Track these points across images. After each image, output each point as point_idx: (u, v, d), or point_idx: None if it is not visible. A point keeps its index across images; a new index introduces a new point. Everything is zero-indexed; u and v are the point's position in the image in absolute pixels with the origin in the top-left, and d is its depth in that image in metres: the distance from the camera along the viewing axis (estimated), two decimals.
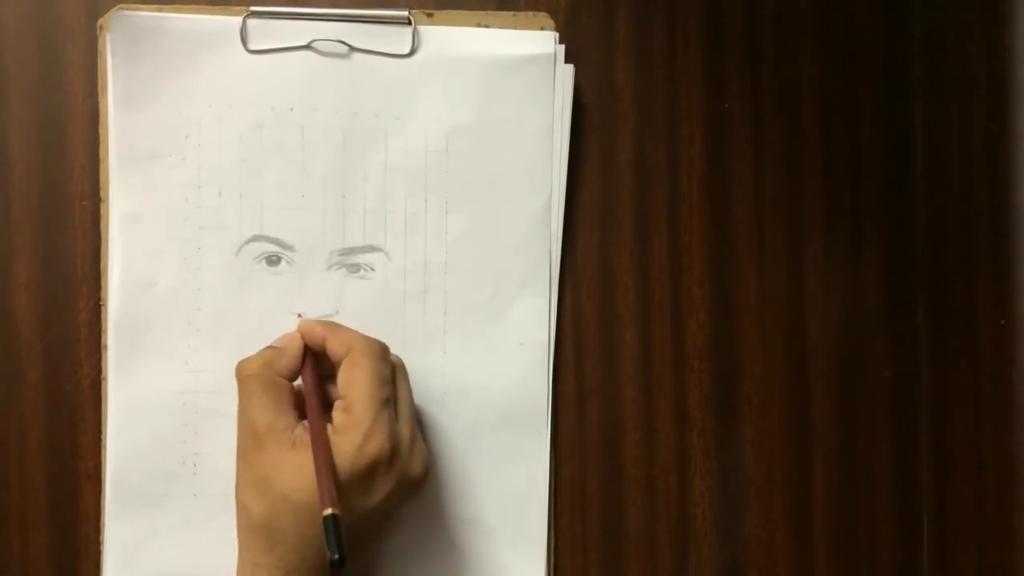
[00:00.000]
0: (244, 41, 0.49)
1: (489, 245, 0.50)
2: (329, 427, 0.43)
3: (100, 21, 0.48)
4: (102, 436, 0.48)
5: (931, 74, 0.53)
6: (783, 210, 0.52)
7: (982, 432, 0.49)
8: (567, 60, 0.50)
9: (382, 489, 0.43)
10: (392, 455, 0.43)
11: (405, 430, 0.45)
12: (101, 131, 0.48)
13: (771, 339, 0.52)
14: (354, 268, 0.49)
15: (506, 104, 0.50)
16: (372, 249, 0.49)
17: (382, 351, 0.45)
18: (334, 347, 0.45)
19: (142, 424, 0.48)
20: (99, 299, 0.49)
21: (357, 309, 0.49)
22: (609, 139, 0.51)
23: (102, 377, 0.48)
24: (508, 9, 0.51)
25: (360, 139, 0.49)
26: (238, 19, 0.49)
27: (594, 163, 0.51)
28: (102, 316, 0.48)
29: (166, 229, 0.48)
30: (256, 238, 0.49)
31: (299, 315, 0.49)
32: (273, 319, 0.49)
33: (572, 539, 0.51)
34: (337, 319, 0.49)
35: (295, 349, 0.46)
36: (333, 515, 0.40)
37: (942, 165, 0.52)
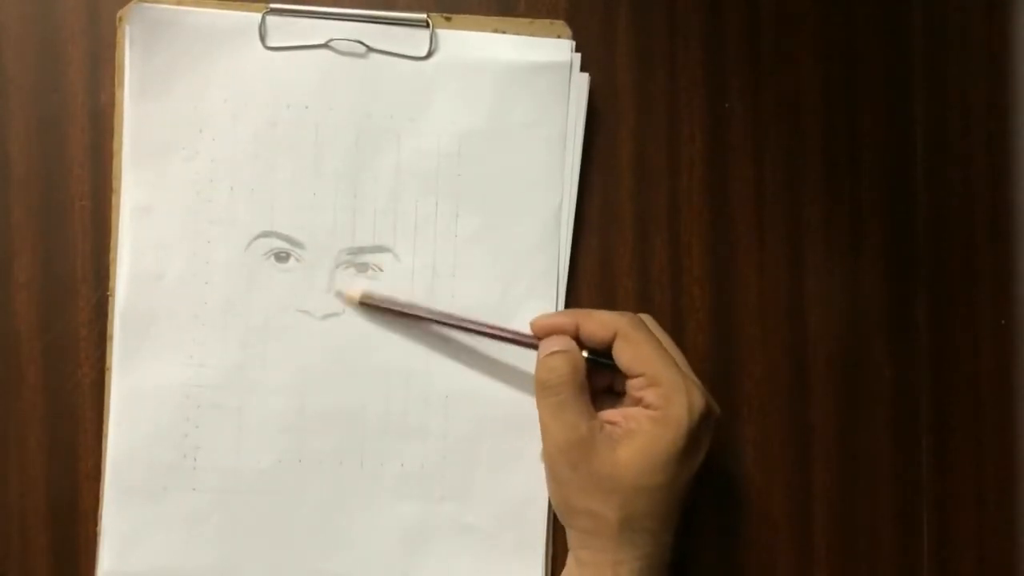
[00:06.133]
0: (262, 38, 0.49)
1: (498, 249, 0.50)
2: (644, 411, 0.44)
3: (120, 13, 0.48)
4: (102, 436, 0.48)
5: (931, 74, 0.53)
6: (783, 210, 0.52)
7: (982, 432, 0.49)
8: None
9: (707, 439, 0.44)
10: (709, 403, 0.44)
11: (692, 375, 0.45)
12: (116, 122, 0.49)
13: (771, 339, 0.52)
14: (363, 268, 0.49)
15: (520, 110, 0.50)
16: (381, 249, 0.49)
17: (640, 321, 0.46)
18: (594, 331, 0.46)
19: (144, 416, 0.48)
20: (107, 290, 0.48)
21: (364, 309, 0.49)
22: (609, 139, 0.51)
23: (106, 367, 0.48)
24: (508, 11, 0.51)
25: (373, 139, 0.49)
26: (257, 15, 0.49)
27: (595, 163, 0.51)
28: (109, 307, 0.48)
29: (176, 222, 0.49)
30: (266, 234, 0.49)
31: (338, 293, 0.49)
32: (280, 315, 0.49)
33: None
34: (344, 318, 0.49)
35: (573, 344, 0.46)
36: None
37: (942, 165, 0.52)
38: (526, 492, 0.50)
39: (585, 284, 0.51)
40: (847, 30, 0.53)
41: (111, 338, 0.48)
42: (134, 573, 0.48)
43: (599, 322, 0.46)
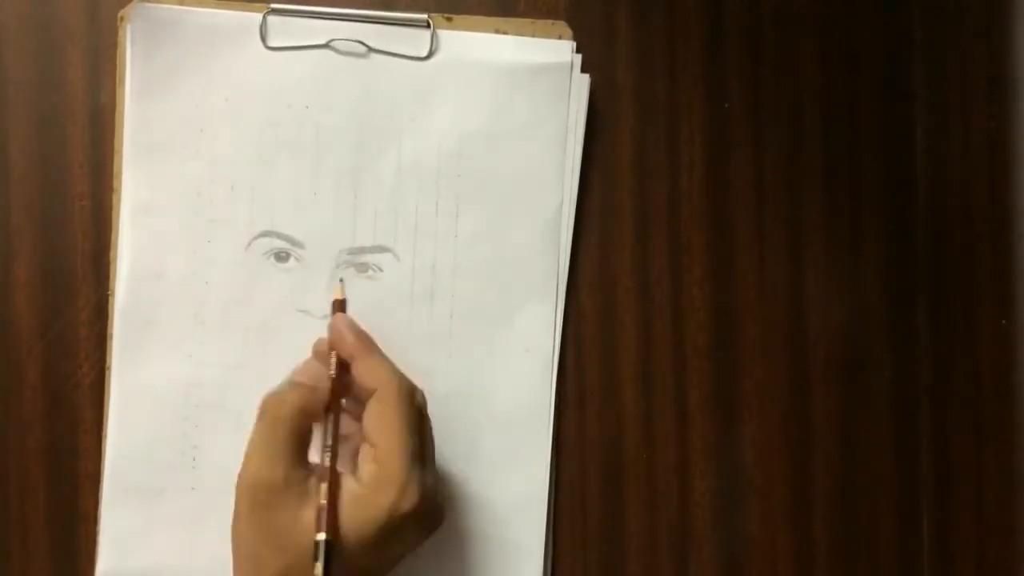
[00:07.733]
0: (263, 38, 0.49)
1: (498, 251, 0.50)
2: (351, 477, 0.42)
3: (121, 12, 0.49)
4: (102, 436, 0.48)
5: (931, 74, 0.53)
6: (783, 210, 0.52)
7: (982, 432, 0.49)
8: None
9: (408, 538, 0.43)
10: (423, 510, 0.42)
11: (430, 479, 0.43)
12: (116, 122, 0.49)
13: (771, 339, 0.52)
14: (362, 268, 0.49)
15: (521, 111, 0.50)
16: (381, 249, 0.49)
17: (411, 392, 0.44)
18: (360, 373, 0.44)
19: (143, 415, 0.48)
20: (107, 290, 0.48)
21: (364, 309, 0.49)
22: (609, 139, 0.51)
23: (106, 367, 0.48)
24: (509, 12, 0.51)
25: (374, 139, 0.49)
26: (258, 15, 0.49)
27: (594, 163, 0.51)
28: (109, 307, 0.48)
29: (177, 221, 0.49)
30: (266, 234, 0.49)
31: (340, 280, 0.49)
32: (280, 315, 0.49)
33: (572, 539, 0.51)
34: None
35: (325, 390, 0.44)
36: (328, 540, 0.39)
37: (942, 165, 0.52)
38: (526, 492, 0.50)
39: (585, 284, 0.51)
40: (847, 30, 0.53)
41: (111, 338, 0.48)
42: (134, 573, 0.48)
43: (369, 368, 0.44)
